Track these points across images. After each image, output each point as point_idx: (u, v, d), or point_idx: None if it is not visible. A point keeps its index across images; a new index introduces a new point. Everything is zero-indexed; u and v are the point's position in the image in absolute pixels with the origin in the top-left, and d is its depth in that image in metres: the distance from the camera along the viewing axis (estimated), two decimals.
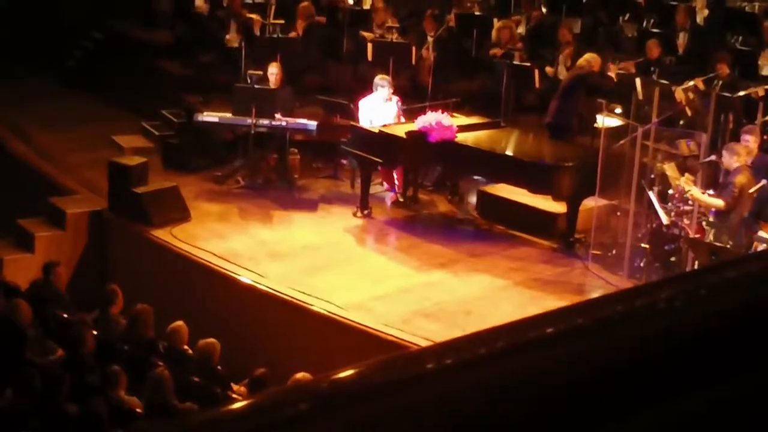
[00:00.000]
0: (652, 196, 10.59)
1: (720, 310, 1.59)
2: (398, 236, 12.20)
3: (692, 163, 11.43)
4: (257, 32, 15.24)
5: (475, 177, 13.02)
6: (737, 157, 10.07)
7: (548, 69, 14.21)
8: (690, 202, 10.38)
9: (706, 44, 14.20)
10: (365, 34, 15.04)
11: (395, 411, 1.42)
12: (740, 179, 9.93)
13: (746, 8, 15.61)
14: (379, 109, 12.65)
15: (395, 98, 12.76)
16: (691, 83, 12.47)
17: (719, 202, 9.98)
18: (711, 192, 10.32)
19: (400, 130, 12.21)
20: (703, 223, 10.23)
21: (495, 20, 15.36)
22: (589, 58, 12.79)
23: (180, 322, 9.29)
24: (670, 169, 10.91)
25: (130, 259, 12.05)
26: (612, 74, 13.23)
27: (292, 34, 15.11)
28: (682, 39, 14.48)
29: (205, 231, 11.92)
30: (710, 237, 10.05)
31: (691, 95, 12.40)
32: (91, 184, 13.28)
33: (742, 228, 9.96)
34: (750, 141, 10.47)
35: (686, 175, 10.45)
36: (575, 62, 13.47)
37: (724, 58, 13.04)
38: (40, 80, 16.88)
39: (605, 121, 11.70)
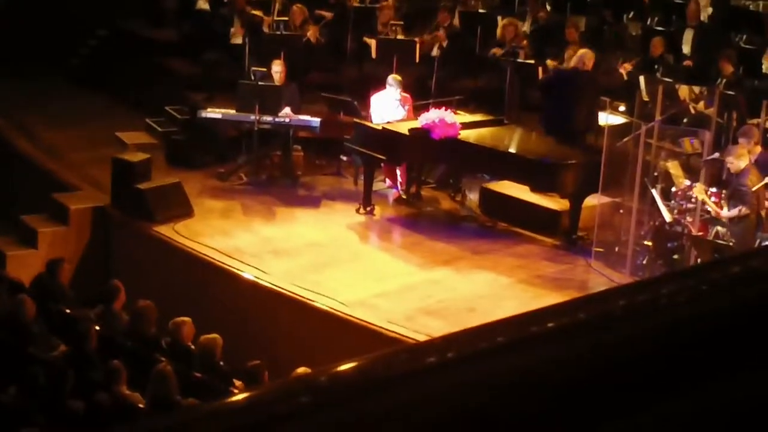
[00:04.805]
0: (655, 193, 10.59)
1: (722, 306, 1.59)
2: (401, 233, 12.20)
3: (695, 161, 11.43)
4: (266, 30, 15.21)
5: (479, 174, 13.01)
6: (744, 158, 10.05)
7: (549, 62, 14.18)
8: (693, 200, 10.37)
9: (710, 43, 14.18)
10: (368, 40, 14.98)
11: (396, 405, 1.42)
12: (751, 179, 9.93)
13: (751, 7, 15.59)
14: (388, 107, 12.67)
15: (406, 106, 12.75)
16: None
17: (744, 210, 9.93)
18: (714, 190, 10.31)
19: (404, 127, 12.20)
20: (718, 228, 10.12)
21: (499, 18, 15.35)
22: (584, 56, 12.70)
23: (186, 318, 9.29)
24: (673, 167, 10.91)
25: (133, 255, 12.05)
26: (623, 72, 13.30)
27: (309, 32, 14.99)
28: (688, 35, 14.46)
29: (208, 227, 11.92)
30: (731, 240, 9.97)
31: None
32: (94, 180, 13.28)
33: (759, 228, 9.97)
34: (743, 143, 10.45)
35: (699, 185, 10.33)
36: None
37: (728, 57, 13.03)
38: (45, 77, 16.85)
39: (609, 119, 11.69)
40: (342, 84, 14.78)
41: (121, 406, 7.81)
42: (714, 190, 10.33)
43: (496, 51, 14.61)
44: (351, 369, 1.45)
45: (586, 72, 12.58)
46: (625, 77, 13.46)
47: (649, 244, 10.77)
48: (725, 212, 10.06)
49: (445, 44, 14.82)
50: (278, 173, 13.40)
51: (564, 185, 11.52)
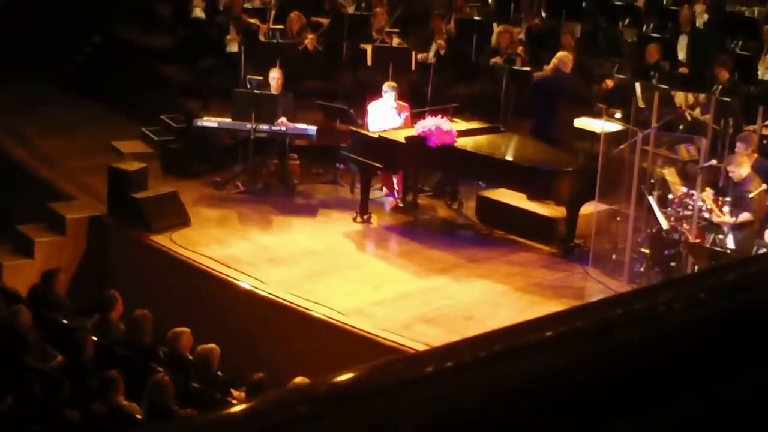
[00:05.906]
0: (652, 200, 10.59)
1: (719, 313, 1.59)
2: (398, 241, 12.19)
3: (692, 168, 11.44)
4: (262, 38, 15.22)
5: (475, 182, 13.01)
6: (745, 166, 10.11)
7: (546, 68, 14.19)
8: (690, 207, 10.38)
9: (706, 49, 14.21)
10: (365, 46, 15.00)
11: (394, 414, 1.42)
12: (755, 185, 9.98)
13: (746, 13, 15.63)
14: (386, 115, 12.68)
15: (404, 114, 12.76)
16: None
17: (747, 216, 9.99)
18: (713, 196, 10.34)
19: (400, 135, 12.21)
20: (714, 236, 10.16)
21: (495, 25, 15.37)
22: (563, 58, 12.71)
23: (184, 328, 9.27)
24: (669, 174, 10.92)
25: (129, 265, 12.03)
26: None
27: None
28: (682, 42, 14.48)
29: (205, 236, 11.91)
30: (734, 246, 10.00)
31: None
32: (90, 189, 13.26)
33: (763, 232, 10.01)
34: (741, 148, 10.53)
35: (708, 191, 10.39)
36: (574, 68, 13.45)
37: (723, 63, 13.05)
38: (40, 85, 16.85)
39: (605, 125, 11.70)
40: (337, 91, 14.79)
41: (118, 417, 7.79)
42: (712, 196, 10.35)
43: (497, 60, 14.60)
44: (349, 379, 1.45)
45: (565, 76, 12.63)
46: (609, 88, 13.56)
47: (647, 251, 10.77)
48: (729, 218, 10.04)
49: (443, 52, 14.82)
50: (274, 182, 13.39)
51: (560, 192, 11.51)
